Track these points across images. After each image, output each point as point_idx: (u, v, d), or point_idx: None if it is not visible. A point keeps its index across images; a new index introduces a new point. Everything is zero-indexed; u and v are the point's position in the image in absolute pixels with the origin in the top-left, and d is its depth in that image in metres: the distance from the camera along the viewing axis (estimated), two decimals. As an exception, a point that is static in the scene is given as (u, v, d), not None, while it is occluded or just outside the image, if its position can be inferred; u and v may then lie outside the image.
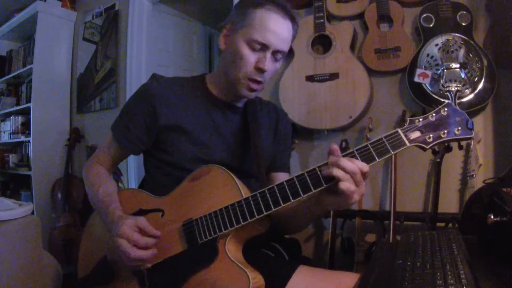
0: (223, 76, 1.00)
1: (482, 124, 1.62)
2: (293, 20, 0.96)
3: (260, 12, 0.91)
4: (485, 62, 1.52)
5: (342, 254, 1.78)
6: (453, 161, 1.65)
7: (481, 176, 1.51)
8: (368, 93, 1.75)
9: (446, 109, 0.74)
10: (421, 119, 0.75)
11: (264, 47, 0.91)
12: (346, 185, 0.72)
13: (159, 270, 0.85)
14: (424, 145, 0.73)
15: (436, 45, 1.59)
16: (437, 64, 1.58)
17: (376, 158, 0.73)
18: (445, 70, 1.55)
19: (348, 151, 0.74)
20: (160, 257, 0.85)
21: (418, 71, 1.60)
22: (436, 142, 0.73)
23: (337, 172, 0.72)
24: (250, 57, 0.92)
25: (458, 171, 1.66)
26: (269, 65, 0.93)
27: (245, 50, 0.91)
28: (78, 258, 1.02)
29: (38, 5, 2.92)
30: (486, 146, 1.61)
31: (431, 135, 0.73)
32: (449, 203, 1.65)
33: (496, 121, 1.60)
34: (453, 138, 0.73)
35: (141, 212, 0.92)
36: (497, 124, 1.60)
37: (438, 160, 1.57)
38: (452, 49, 1.56)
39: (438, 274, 0.62)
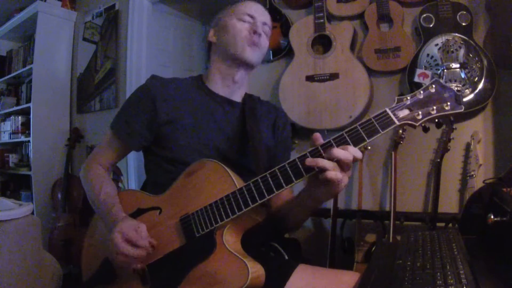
0: (220, 66, 1.05)
1: (482, 124, 1.62)
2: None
3: (239, 3, 1.07)
4: (485, 62, 1.52)
5: (342, 254, 1.78)
6: (453, 161, 1.65)
7: (481, 176, 1.51)
8: (368, 93, 1.75)
9: (434, 85, 0.74)
10: (409, 97, 0.74)
11: (252, 18, 1.03)
12: (332, 174, 0.72)
13: (159, 267, 0.85)
14: (413, 123, 0.73)
15: (436, 45, 1.59)
16: (437, 64, 1.58)
17: (366, 138, 0.72)
18: (445, 70, 1.55)
19: (338, 134, 0.74)
20: (160, 253, 0.86)
21: (418, 71, 1.60)
22: (426, 118, 0.73)
23: (322, 162, 0.72)
24: (244, 25, 1.02)
25: (458, 171, 1.66)
26: (261, 28, 1.03)
27: (237, 23, 1.02)
28: (81, 260, 1.03)
29: (38, 5, 2.91)
30: (486, 146, 1.61)
31: (420, 112, 0.73)
32: (449, 203, 1.65)
33: (496, 121, 1.60)
34: (442, 113, 0.73)
35: (139, 212, 0.93)
36: (497, 124, 1.60)
37: (438, 160, 1.57)
38: (452, 49, 1.56)
39: (438, 274, 0.62)
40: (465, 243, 0.78)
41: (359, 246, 1.68)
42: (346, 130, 0.74)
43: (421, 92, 0.74)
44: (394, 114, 0.72)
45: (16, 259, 1.18)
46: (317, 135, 0.76)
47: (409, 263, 0.70)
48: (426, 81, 1.58)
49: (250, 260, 0.78)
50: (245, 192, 0.79)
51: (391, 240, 1.52)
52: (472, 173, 1.52)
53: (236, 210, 0.79)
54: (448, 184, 1.66)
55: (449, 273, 0.61)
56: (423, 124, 0.74)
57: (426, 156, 1.72)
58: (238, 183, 0.82)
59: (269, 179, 0.77)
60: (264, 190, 0.77)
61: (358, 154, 0.73)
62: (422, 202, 1.74)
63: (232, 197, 0.80)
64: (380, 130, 0.72)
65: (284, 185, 0.76)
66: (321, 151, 0.74)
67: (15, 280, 1.16)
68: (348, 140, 0.73)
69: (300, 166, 0.75)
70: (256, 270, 0.77)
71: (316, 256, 1.99)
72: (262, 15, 1.05)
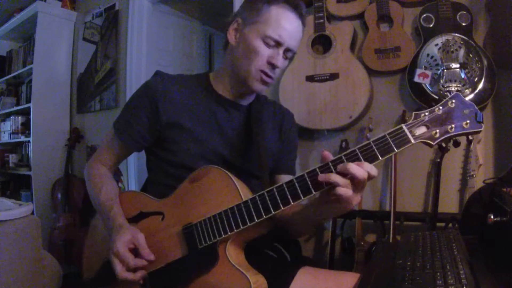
0: (230, 72, 1.00)
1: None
2: (303, 20, 0.97)
3: (275, 9, 0.92)
4: (485, 62, 1.52)
5: (342, 254, 1.78)
6: (453, 161, 1.65)
7: (481, 176, 1.51)
8: (368, 93, 1.75)
9: (453, 100, 0.69)
10: (427, 113, 0.69)
11: (277, 44, 0.93)
12: (343, 190, 0.69)
13: (160, 275, 0.84)
14: (430, 142, 0.69)
15: (436, 45, 1.59)
16: (437, 64, 1.58)
17: (379, 157, 0.68)
18: (445, 70, 1.55)
19: (350, 150, 0.71)
20: (162, 262, 0.84)
21: (418, 71, 1.60)
22: (443, 137, 0.68)
23: (334, 178, 0.69)
24: (264, 51, 0.93)
25: (458, 171, 1.66)
26: (281, 61, 0.94)
27: (260, 45, 0.92)
28: (82, 259, 1.02)
29: (38, 5, 2.92)
30: (486, 146, 1.61)
31: (437, 130, 0.68)
32: (449, 203, 1.65)
33: (496, 121, 1.60)
34: (461, 132, 0.68)
35: (141, 215, 0.91)
36: (497, 124, 1.60)
37: (438, 160, 1.57)
38: (452, 49, 1.56)
39: (438, 274, 0.62)
40: (465, 243, 0.78)
41: (359, 246, 1.68)
42: (359, 146, 0.70)
43: (440, 107, 0.69)
44: (411, 132, 0.68)
45: (16, 259, 1.18)
46: (327, 153, 0.72)
47: (409, 263, 0.70)
48: (426, 81, 1.58)
49: (252, 273, 0.77)
50: (251, 206, 0.76)
51: (391, 240, 1.52)
52: (472, 173, 1.52)
53: (240, 224, 0.77)
54: (448, 184, 1.65)
55: (449, 273, 0.61)
56: (439, 144, 0.70)
57: (426, 156, 1.72)
58: (244, 193, 0.80)
59: (276, 194, 0.74)
60: (270, 206, 0.74)
61: (374, 172, 0.68)
62: (422, 202, 1.74)
63: (237, 210, 0.77)
64: (395, 149, 0.68)
65: (291, 201, 0.73)
66: (332, 167, 0.71)
67: (15, 280, 1.16)
68: (361, 157, 0.69)
69: (309, 182, 0.72)
70: (258, 285, 0.76)
71: (316, 256, 1.99)
72: (292, 41, 0.94)
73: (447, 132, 0.68)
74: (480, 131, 0.68)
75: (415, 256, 0.73)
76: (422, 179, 1.74)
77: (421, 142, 0.69)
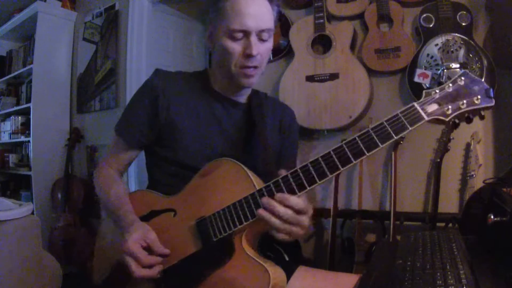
0: (219, 72, 1.00)
1: (482, 124, 1.62)
2: None
3: (229, 1, 0.89)
4: (485, 62, 1.52)
5: (342, 254, 1.78)
6: (453, 161, 1.65)
7: (481, 176, 1.51)
8: (368, 93, 1.75)
9: (463, 78, 0.69)
10: (437, 91, 0.70)
11: (245, 33, 0.89)
12: (281, 235, 0.73)
13: (175, 272, 0.83)
14: (443, 118, 0.69)
15: (436, 45, 1.59)
16: (437, 64, 1.58)
17: (393, 135, 0.68)
18: (445, 70, 1.55)
19: (364, 131, 0.70)
20: (175, 259, 0.83)
21: (418, 71, 1.60)
22: (456, 113, 0.69)
23: (273, 220, 0.71)
24: (235, 47, 0.90)
25: (458, 171, 1.66)
26: (257, 48, 0.90)
27: (228, 43, 0.90)
28: (93, 262, 1.01)
29: (38, 5, 2.91)
30: (486, 146, 1.61)
31: (449, 107, 0.68)
32: (449, 203, 1.65)
33: (496, 121, 1.60)
34: (473, 108, 0.69)
35: (153, 214, 0.90)
36: (497, 124, 1.60)
37: (438, 160, 1.57)
38: (452, 49, 1.56)
39: (438, 274, 0.62)
40: (465, 243, 0.78)
41: (359, 246, 1.68)
42: (372, 127, 0.69)
43: (450, 85, 0.70)
44: (423, 109, 0.68)
45: (16, 259, 1.18)
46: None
47: (409, 263, 0.70)
48: (426, 81, 1.58)
49: (270, 265, 0.75)
50: (265, 194, 0.75)
51: (391, 240, 1.52)
52: (472, 173, 1.52)
53: (256, 213, 0.75)
54: (448, 184, 1.65)
55: (449, 273, 0.61)
56: (452, 120, 0.70)
57: (426, 156, 1.72)
58: (257, 183, 0.78)
59: (291, 179, 0.73)
60: (285, 192, 0.73)
61: (300, 206, 0.72)
62: (422, 202, 1.74)
63: (252, 198, 0.75)
64: (409, 127, 0.68)
65: (307, 186, 0.72)
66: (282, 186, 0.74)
67: (15, 280, 1.16)
68: (375, 137, 0.68)
69: (324, 165, 0.70)
70: (277, 275, 0.74)
71: (316, 256, 1.99)
72: (257, 21, 0.88)
73: (459, 108, 0.68)
74: (492, 106, 0.68)
75: (415, 256, 0.73)
76: (422, 179, 1.74)
77: (434, 118, 0.69)
